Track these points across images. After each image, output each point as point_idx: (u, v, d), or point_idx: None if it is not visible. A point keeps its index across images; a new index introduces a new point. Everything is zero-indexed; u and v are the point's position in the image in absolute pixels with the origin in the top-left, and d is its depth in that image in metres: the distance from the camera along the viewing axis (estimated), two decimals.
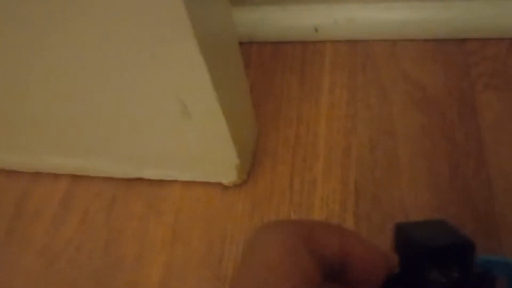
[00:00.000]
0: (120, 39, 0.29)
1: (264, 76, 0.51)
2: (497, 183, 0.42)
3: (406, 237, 0.18)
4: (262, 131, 0.47)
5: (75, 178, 0.46)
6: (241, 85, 0.40)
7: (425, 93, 0.48)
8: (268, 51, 0.52)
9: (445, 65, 0.50)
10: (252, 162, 0.44)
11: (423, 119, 0.46)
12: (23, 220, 0.45)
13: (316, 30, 0.50)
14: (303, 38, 0.52)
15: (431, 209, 0.41)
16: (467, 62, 0.50)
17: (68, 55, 0.31)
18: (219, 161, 0.39)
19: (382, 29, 0.50)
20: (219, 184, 0.43)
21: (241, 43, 0.52)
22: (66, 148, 0.42)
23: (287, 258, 0.14)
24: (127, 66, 0.30)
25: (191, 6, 0.25)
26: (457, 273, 0.16)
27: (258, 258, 0.14)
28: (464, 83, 0.48)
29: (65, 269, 0.41)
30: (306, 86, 0.49)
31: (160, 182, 0.44)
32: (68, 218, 0.44)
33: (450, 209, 0.41)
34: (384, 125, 0.46)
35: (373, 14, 0.50)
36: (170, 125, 0.35)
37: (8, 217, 0.45)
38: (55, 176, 0.46)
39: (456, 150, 0.44)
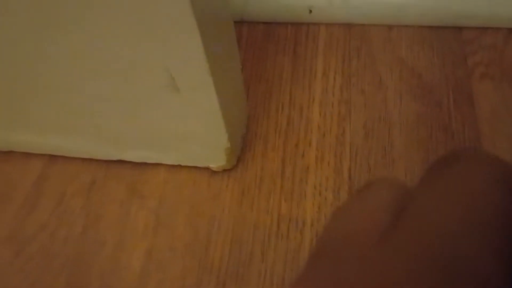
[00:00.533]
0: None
1: (255, 57, 0.48)
2: None
3: None
4: (252, 115, 0.44)
5: (51, 158, 0.43)
6: (234, 63, 0.37)
7: (421, 80, 0.46)
8: (260, 32, 0.50)
9: (441, 52, 0.48)
10: (242, 147, 0.42)
11: (418, 107, 0.45)
12: None
13: (310, 11, 0.48)
14: (297, 19, 0.49)
15: None
16: (463, 50, 0.48)
17: (47, 19, 0.28)
18: (208, 144, 0.37)
19: (378, 12, 0.49)
20: (206, 169, 0.40)
21: None
22: (40, 125, 0.39)
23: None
24: (112, 28, 0.27)
25: None
26: None
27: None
28: (460, 71, 0.47)
29: (36, 257, 0.38)
30: (299, 69, 0.47)
31: (143, 165, 0.41)
32: (41, 202, 0.41)
33: None
34: (378, 111, 0.45)
35: None
36: (155, 100, 0.33)
37: None
38: (29, 155, 0.43)
39: (453, 139, 0.43)
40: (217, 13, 0.32)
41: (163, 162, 0.40)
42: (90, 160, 0.42)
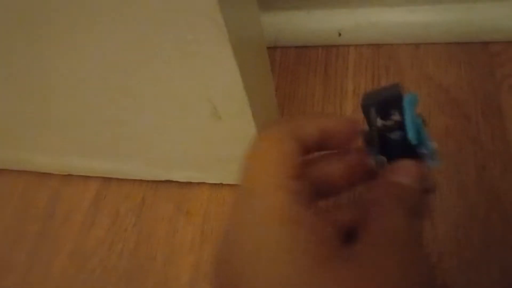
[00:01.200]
0: (156, 41, 0.30)
1: (288, 80, 0.51)
2: None
3: (364, 99, 0.22)
4: None
5: (105, 180, 0.47)
6: (268, 88, 0.40)
7: (448, 95, 0.48)
8: (292, 56, 0.53)
9: (468, 67, 0.50)
10: None
11: (447, 120, 0.46)
12: (54, 222, 0.46)
13: (339, 34, 0.51)
14: (327, 42, 0.52)
15: (458, 211, 0.41)
16: (491, 63, 0.50)
17: (98, 57, 0.32)
18: None
19: (405, 32, 0.51)
20: None
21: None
22: (96, 151, 0.43)
23: (273, 146, 0.19)
24: (161, 68, 0.31)
25: (226, 10, 0.26)
26: (398, 117, 0.21)
27: (252, 152, 0.20)
28: (488, 84, 0.48)
29: (97, 270, 0.42)
30: (330, 89, 0.50)
31: (189, 184, 0.44)
32: (98, 220, 0.45)
33: (477, 211, 0.41)
34: None
35: (395, 17, 0.50)
36: (199, 127, 0.36)
37: (40, 219, 0.46)
38: (86, 178, 0.47)
39: (482, 151, 0.44)
40: (253, 46, 0.35)
41: (207, 181, 0.44)
42: (141, 181, 0.46)
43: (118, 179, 0.46)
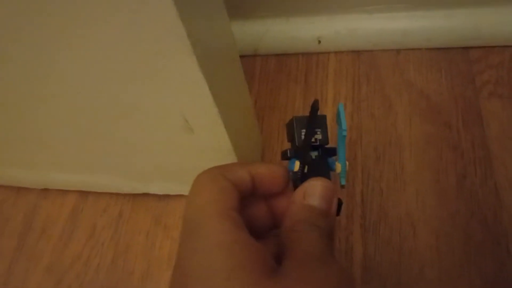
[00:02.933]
0: (123, 57, 0.29)
1: (269, 88, 0.51)
2: (505, 192, 0.41)
3: (291, 119, 0.24)
4: (267, 144, 0.47)
5: (82, 194, 0.46)
6: (243, 98, 0.40)
7: (429, 102, 0.48)
8: (272, 64, 0.52)
9: (449, 73, 0.49)
10: None
11: (428, 128, 0.46)
12: (32, 236, 0.45)
13: (319, 41, 0.51)
14: (307, 50, 0.52)
15: (439, 219, 0.41)
16: (471, 70, 0.49)
17: (70, 75, 0.32)
18: None
19: (385, 38, 0.50)
20: None
21: (245, 56, 0.53)
22: (72, 165, 0.43)
23: (209, 183, 0.21)
24: (130, 83, 0.31)
25: (188, 22, 0.25)
26: (320, 136, 0.23)
27: (192, 189, 0.22)
28: (468, 91, 0.48)
29: (74, 285, 0.42)
30: (310, 97, 0.50)
31: (167, 197, 0.44)
32: (76, 234, 0.44)
33: (458, 219, 0.40)
34: (389, 135, 0.46)
35: (375, 24, 0.50)
36: (173, 140, 0.36)
37: (17, 233, 0.46)
38: (63, 192, 0.47)
39: (463, 159, 0.44)
40: (223, 56, 0.34)
41: (185, 194, 0.43)
42: (118, 194, 0.45)
43: (95, 193, 0.46)
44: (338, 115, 0.23)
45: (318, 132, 0.24)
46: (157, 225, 0.43)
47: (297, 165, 0.23)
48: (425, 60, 0.51)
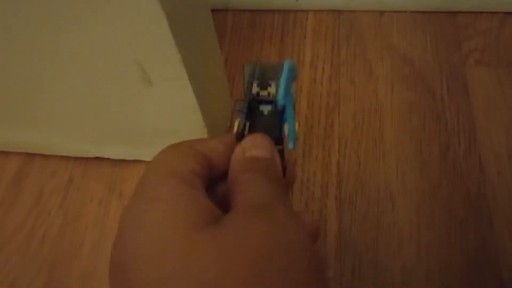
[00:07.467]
0: None
1: (241, 46, 0.46)
2: (489, 165, 0.39)
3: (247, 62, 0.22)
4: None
5: (28, 156, 0.41)
6: (212, 51, 0.35)
7: (413, 68, 0.45)
8: (246, 20, 0.48)
9: (434, 38, 0.46)
10: None
11: (411, 95, 0.43)
12: None
13: None
14: (284, 7, 0.47)
15: (419, 192, 0.38)
16: (458, 36, 0.46)
17: (15, 16, 0.27)
18: (188, 138, 0.35)
19: None
20: None
21: (215, 10, 0.48)
22: (16, 121, 0.37)
23: (171, 149, 0.19)
24: (79, 22, 0.26)
25: None
26: (273, 89, 0.21)
27: (153, 158, 0.19)
28: (454, 58, 0.45)
29: (14, 257, 0.37)
30: (286, 58, 0.45)
31: (123, 162, 0.39)
32: (19, 200, 0.39)
33: (439, 192, 0.38)
34: (369, 102, 0.43)
35: None
36: (128, 94, 0.31)
37: None
38: (6, 154, 0.41)
39: (447, 129, 0.41)
40: (191, 2, 0.30)
41: (143, 159, 0.39)
42: (68, 157, 0.40)
43: (43, 155, 0.41)
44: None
45: (272, 85, 0.21)
46: (111, 192, 0.38)
47: (236, 124, 0.20)
48: (410, 24, 0.47)
